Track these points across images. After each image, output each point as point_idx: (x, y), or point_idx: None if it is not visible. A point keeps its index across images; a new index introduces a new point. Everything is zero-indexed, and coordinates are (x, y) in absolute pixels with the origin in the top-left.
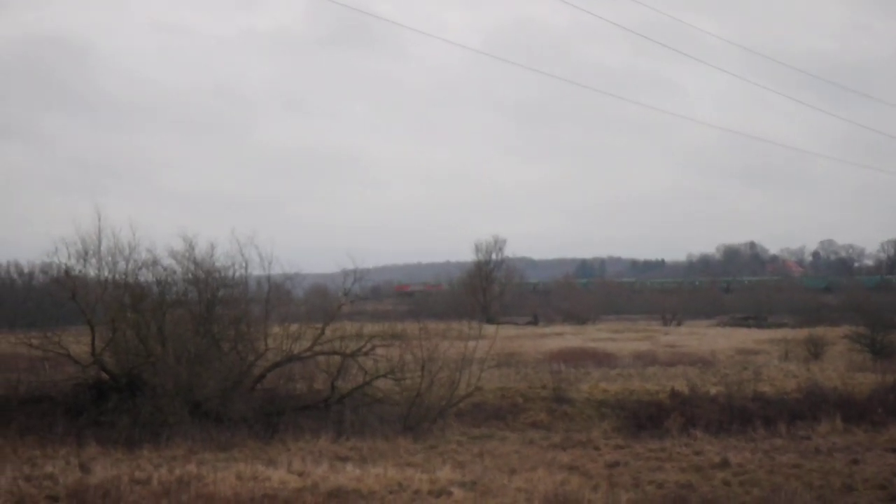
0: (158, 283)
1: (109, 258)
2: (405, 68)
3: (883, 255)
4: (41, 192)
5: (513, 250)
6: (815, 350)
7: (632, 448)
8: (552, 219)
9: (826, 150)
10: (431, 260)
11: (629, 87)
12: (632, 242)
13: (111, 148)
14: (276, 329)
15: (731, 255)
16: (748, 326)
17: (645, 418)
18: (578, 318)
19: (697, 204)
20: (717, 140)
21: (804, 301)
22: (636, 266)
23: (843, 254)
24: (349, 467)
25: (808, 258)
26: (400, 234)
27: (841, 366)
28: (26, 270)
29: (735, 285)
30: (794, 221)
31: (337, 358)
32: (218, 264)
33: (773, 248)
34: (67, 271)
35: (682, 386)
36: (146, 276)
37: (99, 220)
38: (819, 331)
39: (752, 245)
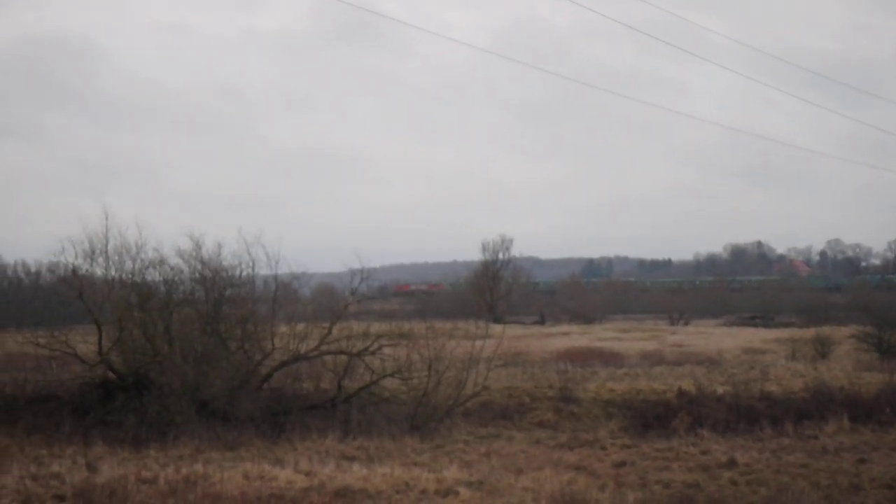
0: (165, 282)
1: (116, 257)
2: (409, 67)
3: (890, 255)
4: (42, 191)
5: (520, 250)
6: (822, 349)
7: (639, 448)
8: (558, 218)
9: (832, 150)
10: (438, 259)
11: (633, 86)
12: (639, 242)
13: (112, 148)
14: (283, 328)
15: (739, 255)
16: (755, 326)
17: (652, 418)
18: (585, 317)
19: (704, 203)
20: (723, 139)
21: (811, 300)
22: (643, 265)
23: (850, 253)
24: (356, 467)
25: (816, 258)
26: (406, 234)
27: (848, 365)
28: (33, 270)
29: (742, 285)
30: (801, 221)
31: (344, 357)
32: (225, 263)
33: (780, 247)
34: (74, 270)
35: (689, 385)
36: (153, 276)
37: (106, 219)
38: (826, 330)
39: (760, 245)
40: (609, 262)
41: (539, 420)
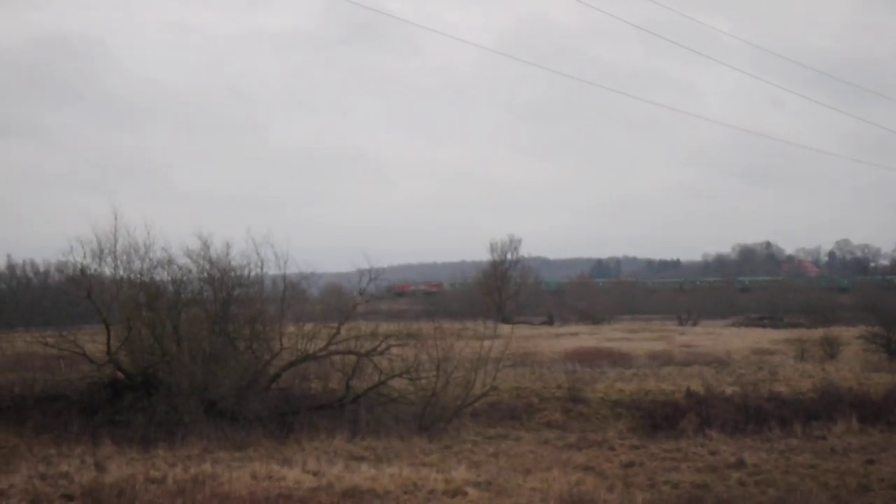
0: (174, 282)
1: (125, 257)
2: (415, 68)
3: None
4: (50, 191)
5: (528, 250)
6: (831, 350)
7: (647, 448)
8: (566, 218)
9: (840, 149)
10: (446, 259)
11: (640, 86)
12: (647, 242)
13: (119, 147)
14: (291, 328)
15: (747, 255)
16: (763, 326)
17: (660, 418)
18: (594, 317)
19: (712, 203)
20: (731, 139)
21: (820, 301)
22: (652, 266)
23: (858, 254)
24: (364, 467)
25: (824, 258)
26: (414, 234)
27: (856, 366)
28: (42, 269)
29: (750, 285)
30: (809, 221)
31: (352, 357)
32: (233, 263)
33: (788, 247)
34: (83, 270)
35: (697, 386)
36: (161, 275)
37: (115, 218)
38: (834, 331)
39: (768, 245)
40: (617, 263)
41: (547, 420)
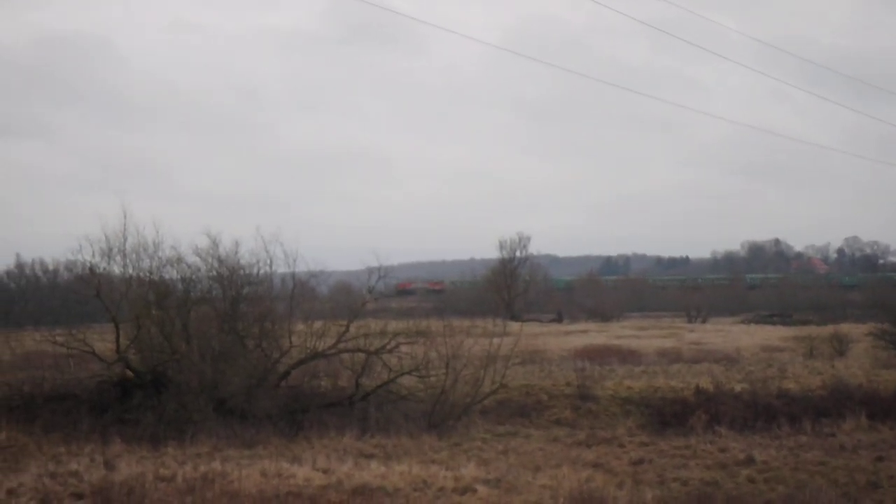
0: (183, 280)
1: (134, 256)
2: (422, 66)
3: None
4: (59, 190)
5: (537, 248)
6: (840, 347)
7: (656, 445)
8: (575, 216)
9: (849, 147)
10: (456, 257)
11: (647, 84)
12: (656, 239)
13: (125, 146)
14: (300, 326)
15: (756, 252)
16: (773, 323)
17: (670, 415)
18: (603, 315)
19: (721, 201)
20: (740, 136)
21: (829, 298)
22: (661, 263)
23: (867, 251)
24: (374, 464)
25: (833, 255)
26: (424, 232)
27: (866, 363)
28: (51, 268)
29: (759, 282)
30: (818, 218)
31: (361, 355)
32: (242, 262)
33: (797, 245)
34: (92, 269)
35: (706, 383)
36: (170, 274)
37: (124, 217)
38: (844, 328)
39: (777, 242)
40: (626, 260)
41: (557, 418)
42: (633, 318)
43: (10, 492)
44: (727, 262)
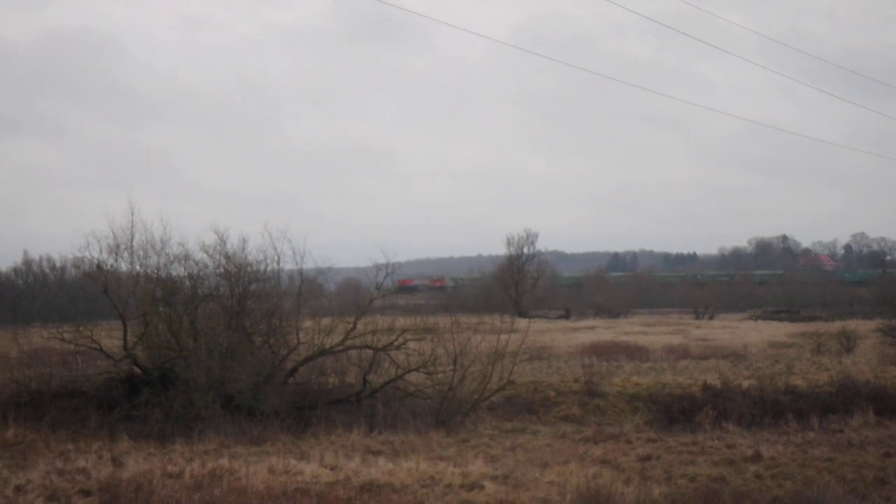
0: (190, 277)
1: (141, 252)
2: (430, 63)
3: None
4: (67, 187)
5: (545, 244)
6: (848, 343)
7: (664, 441)
8: (583, 212)
9: (857, 143)
10: (463, 254)
11: (657, 80)
12: (664, 236)
13: (135, 144)
14: (307, 323)
15: (764, 249)
16: (780, 320)
17: (677, 412)
18: (610, 311)
19: (729, 197)
20: (747, 133)
21: (836, 294)
22: (668, 259)
23: (875, 247)
24: (381, 461)
25: (841, 251)
26: (431, 229)
27: (873, 359)
28: (58, 265)
29: (767, 278)
30: (826, 215)
31: (369, 352)
32: (250, 258)
33: (805, 241)
34: (99, 266)
35: (714, 379)
36: (178, 271)
37: (132, 214)
38: (851, 324)
39: (785, 238)
40: (634, 256)
41: (564, 414)
42: (640, 314)
43: (18, 489)
44: (734, 259)
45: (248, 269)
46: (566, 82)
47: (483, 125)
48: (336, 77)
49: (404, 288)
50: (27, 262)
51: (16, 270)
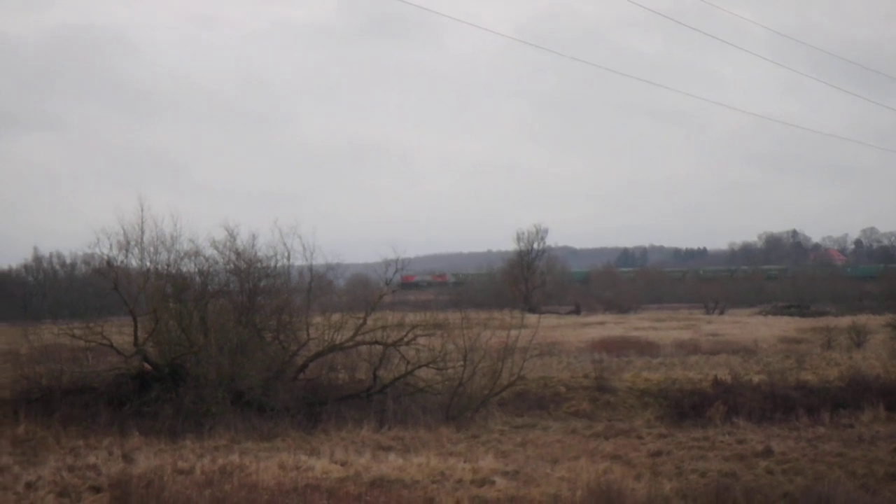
0: (200, 273)
1: (151, 249)
2: (438, 59)
3: None
4: (76, 183)
5: (554, 240)
6: (858, 338)
7: (674, 437)
8: (592, 208)
9: (867, 138)
10: (473, 249)
11: (665, 75)
12: (673, 231)
13: (142, 141)
14: (317, 319)
15: (773, 244)
16: (790, 315)
17: (688, 407)
18: (620, 307)
19: (738, 192)
20: (757, 128)
21: (846, 289)
22: (678, 255)
23: (885, 242)
24: (392, 457)
25: (851, 246)
26: (441, 225)
27: (884, 354)
28: (69, 261)
29: (777, 273)
30: (836, 210)
31: (379, 347)
32: (260, 254)
33: (815, 236)
34: (110, 262)
35: (724, 374)
36: (188, 267)
37: (142, 210)
38: (861, 319)
39: (794, 233)
40: (644, 252)
41: (575, 410)
42: (650, 309)
43: (29, 485)
44: (744, 254)
45: (259, 265)
46: (575, 77)
47: (491, 121)
48: (344, 74)
49: (405, 284)
50: (37, 259)
51: (26, 267)
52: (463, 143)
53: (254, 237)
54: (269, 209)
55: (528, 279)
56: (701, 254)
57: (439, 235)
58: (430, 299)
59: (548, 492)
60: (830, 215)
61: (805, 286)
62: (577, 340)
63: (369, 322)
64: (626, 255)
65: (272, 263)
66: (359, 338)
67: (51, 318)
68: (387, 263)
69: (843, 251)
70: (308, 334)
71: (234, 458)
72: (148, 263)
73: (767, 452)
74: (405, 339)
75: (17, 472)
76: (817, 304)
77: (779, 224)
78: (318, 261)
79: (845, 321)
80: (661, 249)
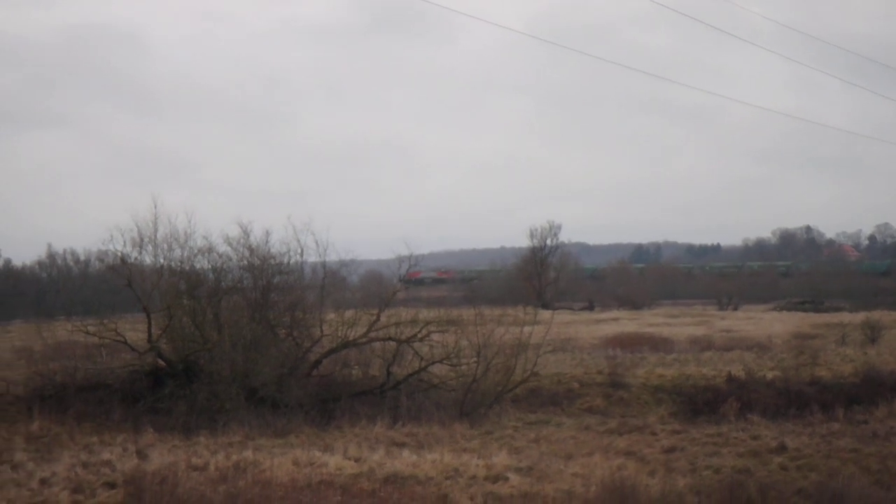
0: (214, 269)
1: (165, 245)
2: (448, 55)
3: None
4: (90, 180)
5: (567, 236)
6: (872, 334)
7: (688, 433)
8: (605, 204)
9: (880, 134)
10: (486, 246)
11: (677, 70)
12: (687, 227)
13: (154, 138)
14: (331, 315)
15: (787, 240)
16: (805, 311)
17: (701, 403)
18: (634, 303)
19: (752, 188)
20: (770, 124)
21: (860, 285)
22: (692, 251)
23: None
24: (405, 453)
25: (865, 242)
26: (454, 222)
27: None
28: (82, 258)
29: (792, 269)
30: (850, 205)
31: (392, 344)
32: (273, 251)
33: (829, 231)
34: (123, 259)
35: (738, 371)
36: (202, 263)
37: (155, 207)
38: (875, 315)
39: (808, 229)
40: (657, 248)
41: (588, 406)
42: (663, 305)
43: (44, 481)
44: (758, 250)
45: (272, 261)
46: (586, 73)
47: (501, 116)
48: (352, 71)
49: (409, 280)
50: (51, 256)
51: (40, 264)
52: (475, 138)
53: (267, 234)
54: (282, 206)
55: (542, 275)
56: (714, 250)
57: (451, 232)
58: (444, 296)
59: (561, 488)
60: (844, 211)
61: (819, 282)
62: (590, 337)
63: (383, 318)
64: (639, 252)
65: (286, 260)
66: (372, 334)
67: (65, 315)
68: (400, 260)
69: (856, 247)
70: (321, 331)
71: (248, 454)
72: (161, 260)
73: (781, 448)
74: (419, 336)
75: (31, 468)
76: (831, 300)
77: (792, 220)
78: (332, 257)
79: (859, 317)
80: (674, 245)
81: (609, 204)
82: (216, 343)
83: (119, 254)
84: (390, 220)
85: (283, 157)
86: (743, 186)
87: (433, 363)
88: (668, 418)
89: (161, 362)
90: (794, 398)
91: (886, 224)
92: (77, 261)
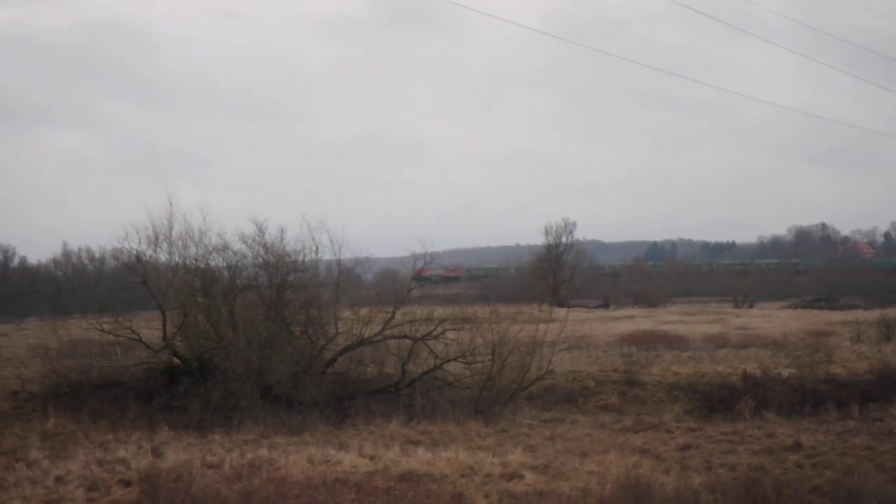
0: (229, 267)
1: (180, 243)
2: (463, 51)
3: None
4: (105, 178)
5: (583, 233)
6: (888, 331)
7: (703, 431)
8: (621, 201)
9: (893, 129)
10: (501, 243)
11: (692, 67)
12: (702, 225)
13: (169, 135)
14: (346, 313)
15: (802, 237)
16: (820, 308)
17: (717, 401)
18: (649, 300)
19: (767, 186)
20: (785, 121)
21: (876, 282)
22: (707, 248)
23: None
24: (420, 451)
25: (880, 239)
26: (469, 219)
27: None
28: (97, 256)
29: (807, 267)
30: (865, 202)
31: (407, 342)
32: (288, 249)
33: (844, 229)
34: (138, 257)
35: (753, 368)
36: (216, 261)
37: (170, 205)
38: (891, 312)
39: (824, 226)
40: (673, 245)
41: (604, 404)
42: (679, 303)
43: (59, 479)
44: (773, 247)
45: (287, 259)
46: (602, 69)
47: (517, 113)
48: (368, 66)
49: (416, 278)
50: (66, 254)
51: (55, 262)
52: (488, 135)
53: (282, 231)
54: (298, 203)
55: (557, 273)
56: (730, 247)
57: (466, 228)
58: (459, 293)
59: (577, 486)
60: (859, 208)
61: (834, 279)
62: (605, 334)
63: (398, 316)
64: (654, 249)
65: (300, 258)
66: (387, 332)
67: (80, 313)
68: (415, 257)
69: (872, 244)
70: (336, 328)
71: (263, 452)
72: (176, 258)
73: (797, 446)
74: (434, 334)
75: (46, 466)
76: (846, 298)
77: (807, 217)
78: (346, 255)
79: (875, 314)
80: (689, 243)
81: (624, 201)
82: (231, 341)
83: (134, 251)
84: (405, 217)
85: (298, 152)
86: (758, 183)
87: (448, 361)
88: (684, 416)
89: (176, 360)
90: (810, 396)
91: None
92: (92, 259)
